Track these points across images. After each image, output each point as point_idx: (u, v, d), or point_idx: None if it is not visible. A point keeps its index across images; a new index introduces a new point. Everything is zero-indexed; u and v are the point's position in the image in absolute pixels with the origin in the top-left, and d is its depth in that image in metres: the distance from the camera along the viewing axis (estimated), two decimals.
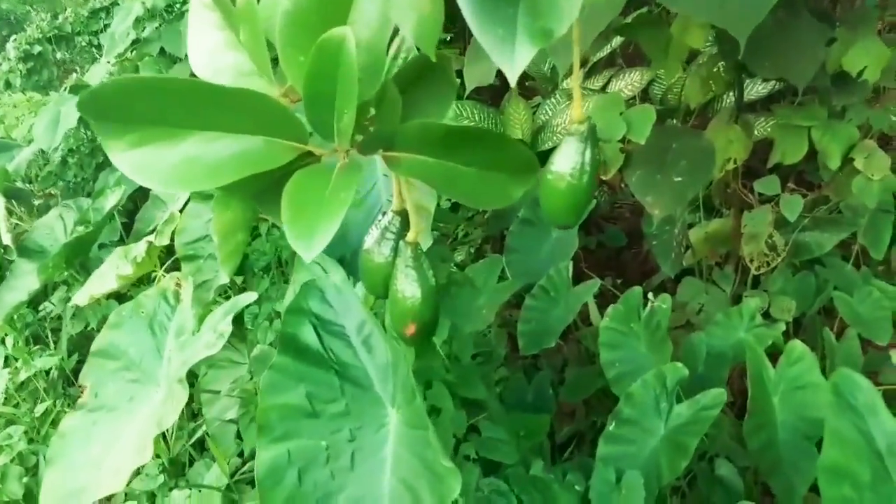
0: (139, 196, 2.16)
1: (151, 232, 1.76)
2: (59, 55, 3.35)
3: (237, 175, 0.47)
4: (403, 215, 0.56)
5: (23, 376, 1.85)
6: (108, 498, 0.95)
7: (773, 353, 1.15)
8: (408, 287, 0.52)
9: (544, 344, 1.29)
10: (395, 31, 0.50)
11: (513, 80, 0.34)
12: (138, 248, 1.54)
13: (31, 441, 1.70)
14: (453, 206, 1.78)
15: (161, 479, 1.45)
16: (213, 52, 0.57)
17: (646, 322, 1.16)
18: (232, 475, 1.42)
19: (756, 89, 1.46)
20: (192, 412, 1.65)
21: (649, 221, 1.52)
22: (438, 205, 1.62)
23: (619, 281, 1.72)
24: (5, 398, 1.79)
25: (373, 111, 0.49)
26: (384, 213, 0.57)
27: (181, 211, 1.59)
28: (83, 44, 3.32)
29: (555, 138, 1.55)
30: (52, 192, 2.56)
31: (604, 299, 1.53)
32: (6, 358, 1.90)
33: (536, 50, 0.34)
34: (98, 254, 2.08)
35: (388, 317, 0.56)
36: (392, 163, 0.50)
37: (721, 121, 1.23)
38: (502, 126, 1.59)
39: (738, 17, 0.83)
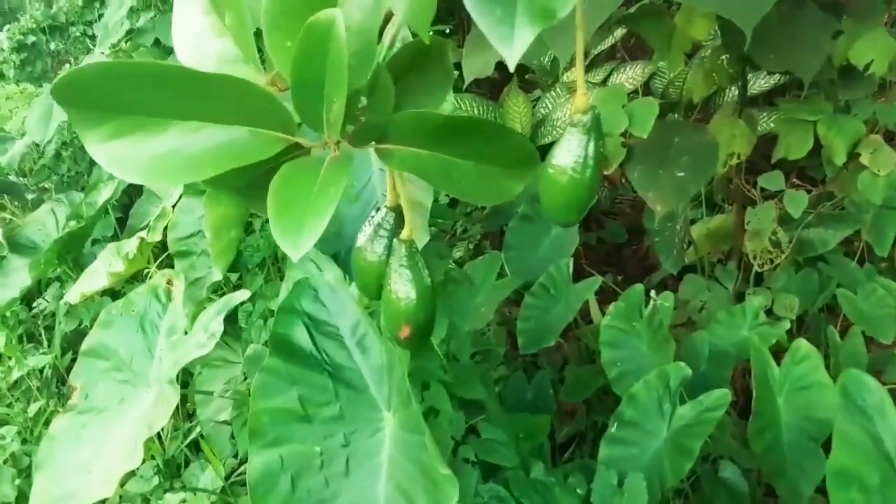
0: (133, 190, 2.13)
1: (145, 227, 1.73)
2: (53, 46, 3.31)
3: (221, 168, 0.45)
4: (398, 212, 0.53)
5: (16, 375, 1.83)
6: (102, 502, 0.93)
7: (777, 352, 1.13)
8: (402, 287, 0.49)
9: (544, 343, 1.27)
10: (390, 15, 0.47)
11: (511, 65, 0.31)
12: (130, 245, 1.51)
13: (24, 441, 1.68)
14: (451, 202, 1.76)
15: (155, 480, 1.42)
16: (198, 38, 0.54)
17: (648, 321, 1.14)
18: (227, 477, 1.40)
19: (759, 83, 1.44)
20: (187, 412, 1.63)
21: (650, 217, 1.49)
22: (436, 200, 1.60)
23: (619, 277, 1.69)
24: None
25: (364, 100, 0.46)
26: (377, 209, 0.54)
27: (174, 206, 1.57)
28: (77, 34, 3.28)
29: (555, 132, 1.52)
30: (46, 186, 2.53)
31: (604, 296, 1.51)
32: None
33: (537, 31, 0.31)
34: (92, 249, 2.06)
35: (382, 318, 0.53)
36: (384, 155, 0.47)
37: (724, 115, 1.20)
38: (501, 119, 1.56)
39: (745, 7, 0.81)
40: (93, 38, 3.13)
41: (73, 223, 1.95)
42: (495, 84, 1.69)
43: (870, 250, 1.35)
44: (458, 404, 0.97)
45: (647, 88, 1.53)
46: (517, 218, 1.50)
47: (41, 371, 1.88)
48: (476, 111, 1.57)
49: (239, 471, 1.40)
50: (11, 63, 3.28)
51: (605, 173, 1.33)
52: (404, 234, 0.51)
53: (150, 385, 1.07)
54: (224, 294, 1.59)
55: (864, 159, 1.16)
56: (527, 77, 1.76)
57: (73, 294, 1.56)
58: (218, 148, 0.44)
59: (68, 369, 1.87)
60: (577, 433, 1.35)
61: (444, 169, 0.46)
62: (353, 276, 0.55)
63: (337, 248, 0.94)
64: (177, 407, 1.44)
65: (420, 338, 0.50)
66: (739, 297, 1.37)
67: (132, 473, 1.40)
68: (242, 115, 0.44)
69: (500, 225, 1.63)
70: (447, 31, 1.80)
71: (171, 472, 1.51)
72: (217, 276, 1.39)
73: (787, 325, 1.19)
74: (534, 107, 1.60)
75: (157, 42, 2.34)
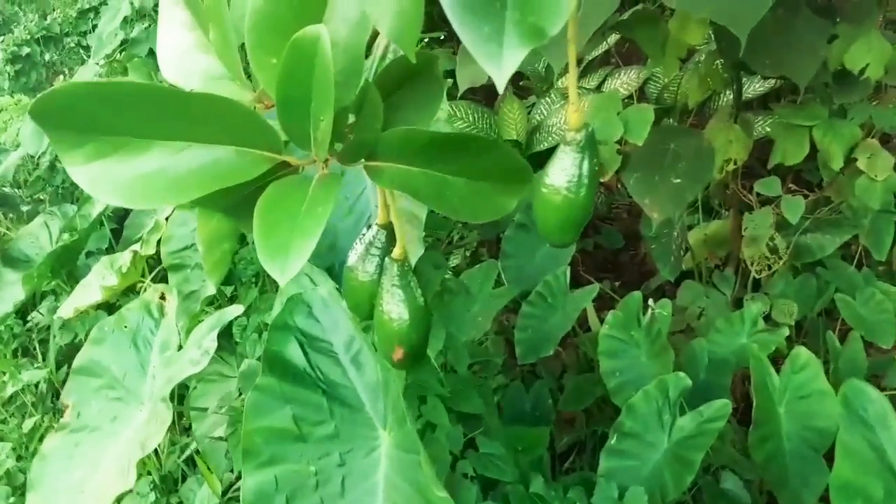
0: None
1: (140, 239, 1.72)
2: (47, 57, 3.30)
3: (206, 189, 0.43)
4: (389, 229, 0.52)
5: (10, 390, 1.81)
6: None
7: (776, 358, 1.12)
8: (394, 308, 0.48)
9: (542, 352, 1.25)
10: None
11: (501, 86, 0.30)
12: (123, 258, 1.49)
13: (19, 458, 1.65)
14: None
15: (152, 496, 1.40)
16: (183, 55, 0.53)
17: (646, 330, 1.13)
18: (224, 493, 1.38)
19: (754, 87, 1.43)
20: (183, 427, 1.61)
21: (647, 223, 1.48)
22: (431, 210, 1.59)
23: (616, 283, 1.68)
24: None
25: (352, 117, 0.45)
26: (369, 227, 0.53)
27: (167, 219, 1.55)
28: (72, 45, 3.27)
29: (550, 138, 1.52)
30: (41, 198, 2.51)
31: (602, 302, 1.50)
32: None
33: (527, 51, 0.30)
34: (86, 261, 2.04)
35: (375, 338, 0.52)
36: (374, 173, 0.46)
37: (720, 120, 1.20)
38: (497, 126, 1.56)
39: (739, 13, 0.80)
40: (87, 48, 3.13)
41: (66, 236, 1.93)
42: (490, 90, 1.68)
43: (868, 255, 1.34)
44: (455, 418, 0.96)
45: (641, 93, 1.53)
46: (513, 226, 1.49)
47: (36, 386, 1.86)
48: (471, 118, 1.56)
49: (236, 486, 1.38)
50: (6, 74, 3.26)
51: (602, 180, 1.32)
52: (396, 252, 0.50)
53: (144, 403, 1.05)
54: (219, 306, 1.58)
55: (861, 164, 1.15)
56: (521, 83, 1.76)
57: (67, 309, 1.55)
58: (203, 168, 0.43)
59: (63, 384, 1.85)
60: (577, 442, 1.34)
61: (435, 186, 0.45)
62: (344, 295, 0.54)
63: (331, 261, 0.93)
64: (173, 422, 1.43)
65: (414, 359, 0.49)
66: (737, 303, 1.36)
67: (128, 490, 1.38)
68: (227, 135, 0.43)
69: (497, 232, 1.62)
70: (441, 37, 1.79)
71: (168, 487, 1.49)
72: (211, 289, 1.38)
73: (786, 331, 1.18)
74: (529, 113, 1.60)
75: (151, 52, 2.33)
